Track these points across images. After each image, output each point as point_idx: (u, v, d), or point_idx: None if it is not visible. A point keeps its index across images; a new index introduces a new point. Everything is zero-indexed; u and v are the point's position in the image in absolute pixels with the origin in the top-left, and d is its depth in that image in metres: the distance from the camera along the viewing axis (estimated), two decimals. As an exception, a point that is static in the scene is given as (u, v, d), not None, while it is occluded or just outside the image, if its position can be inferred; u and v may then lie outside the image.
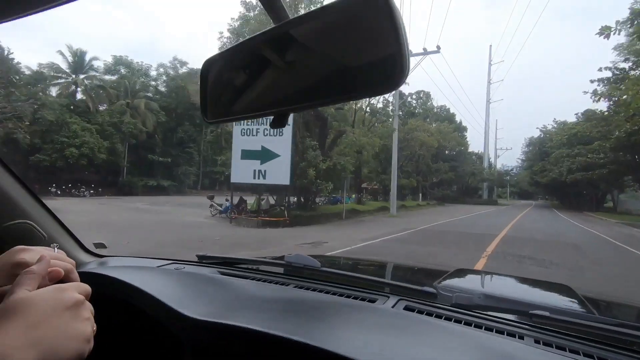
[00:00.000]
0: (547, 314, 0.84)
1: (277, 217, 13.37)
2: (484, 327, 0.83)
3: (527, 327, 0.84)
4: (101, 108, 34.37)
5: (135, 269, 1.16)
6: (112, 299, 0.91)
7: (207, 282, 1.06)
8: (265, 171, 12.88)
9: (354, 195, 24.12)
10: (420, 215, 21.89)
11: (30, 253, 0.52)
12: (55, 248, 0.57)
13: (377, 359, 0.61)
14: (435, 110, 58.86)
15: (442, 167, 44.39)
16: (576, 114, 35.25)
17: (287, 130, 12.91)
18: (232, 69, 0.62)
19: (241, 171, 13.14)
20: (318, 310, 0.87)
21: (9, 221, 0.98)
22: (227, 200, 15.20)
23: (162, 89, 41.14)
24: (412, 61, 20.11)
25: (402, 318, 0.86)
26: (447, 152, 54.62)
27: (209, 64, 0.63)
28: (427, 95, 58.78)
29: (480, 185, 60.05)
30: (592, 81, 25.60)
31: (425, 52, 19.03)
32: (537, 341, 0.78)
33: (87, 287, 0.49)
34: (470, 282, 1.50)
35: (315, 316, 0.84)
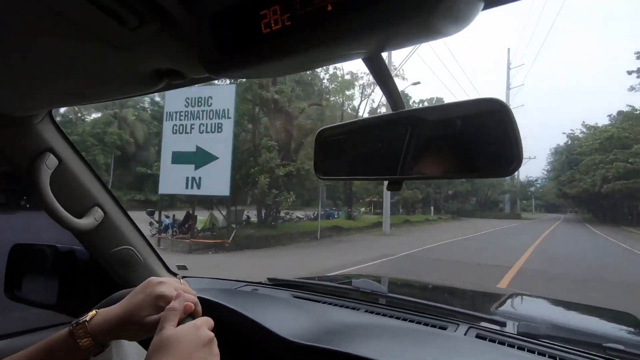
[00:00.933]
0: (621, 347, 0.84)
1: (214, 239, 10.34)
2: (558, 358, 0.81)
3: (596, 358, 0.83)
4: (89, 118, 32.82)
5: (217, 290, 1.20)
6: (218, 323, 0.84)
7: (285, 305, 1.10)
8: (200, 179, 9.91)
9: (363, 208, 20.96)
10: (423, 232, 18.32)
11: (166, 286, 0.60)
12: (181, 279, 0.65)
13: None
14: (449, 117, 55.08)
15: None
16: (609, 115, 30.84)
17: (227, 124, 9.97)
18: (345, 139, 0.74)
19: (171, 179, 10.21)
20: (395, 336, 0.89)
21: (116, 247, 1.10)
22: (166, 216, 12.29)
23: (158, 98, 39.58)
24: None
25: (477, 346, 0.88)
26: (463, 162, 50.45)
27: (323, 131, 0.75)
28: (440, 101, 55.22)
29: (501, 197, 55.14)
30: (630, 72, 21.75)
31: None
32: None
33: (212, 322, 0.57)
34: (530, 309, 1.49)
35: (395, 341, 0.85)
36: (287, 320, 0.93)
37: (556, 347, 0.86)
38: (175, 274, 1.32)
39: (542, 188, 74.67)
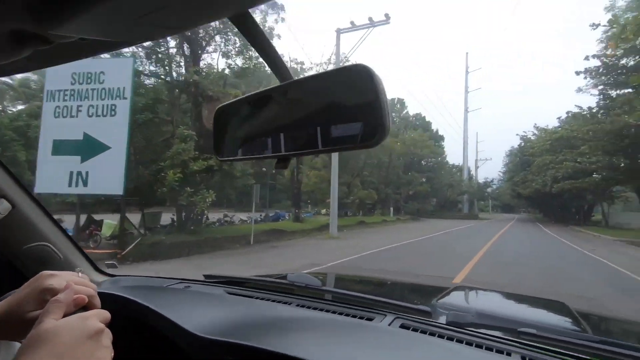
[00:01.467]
0: (534, 331, 0.88)
1: (114, 249, 8.41)
2: (474, 345, 0.84)
3: (515, 344, 0.85)
4: (13, 110, 28.98)
5: (146, 288, 1.22)
6: (125, 318, 0.91)
7: (215, 301, 1.11)
8: (87, 174, 7.94)
9: (324, 210, 19.39)
10: (375, 234, 17.16)
11: (57, 279, 0.56)
12: (80, 272, 0.61)
13: None
14: (410, 118, 55.27)
15: (415, 178, 40.04)
16: (558, 118, 31.68)
17: (122, 106, 8.08)
18: (241, 116, 0.72)
19: (50, 174, 8.13)
20: (319, 329, 0.91)
21: (29, 243, 1.04)
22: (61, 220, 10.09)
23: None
24: (358, 34, 15.89)
25: (398, 336, 0.90)
26: (423, 162, 50.78)
27: (222, 110, 0.72)
28: (402, 102, 55.31)
29: (460, 198, 56.13)
30: (577, 73, 22.00)
31: (372, 24, 14.70)
32: (523, 358, 0.80)
33: (107, 315, 0.53)
34: (466, 300, 1.52)
35: (316, 335, 0.87)
36: (208, 315, 0.92)
37: (477, 334, 0.90)
38: (107, 274, 1.31)
39: (498, 189, 77.49)
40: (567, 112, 22.88)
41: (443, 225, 27.29)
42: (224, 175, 9.99)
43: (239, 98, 0.73)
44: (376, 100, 0.49)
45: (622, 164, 20.35)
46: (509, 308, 1.53)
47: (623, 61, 19.75)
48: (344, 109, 0.57)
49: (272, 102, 0.64)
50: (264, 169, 23.76)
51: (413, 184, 40.98)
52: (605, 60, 19.86)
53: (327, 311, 1.06)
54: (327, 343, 0.82)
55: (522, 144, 44.13)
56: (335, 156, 14.82)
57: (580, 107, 22.21)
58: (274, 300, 1.16)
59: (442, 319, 0.99)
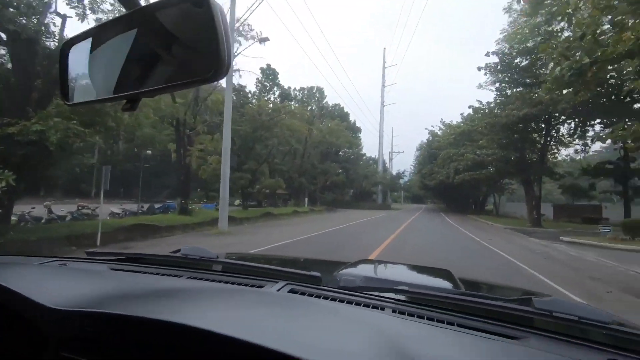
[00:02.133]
0: (406, 288, 0.99)
1: None
2: (354, 303, 0.93)
3: (390, 300, 0.95)
4: None
5: (8, 266, 1.13)
6: None
7: (91, 277, 1.04)
8: None
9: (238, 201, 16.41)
10: (277, 228, 15.26)
11: None
12: None
13: (249, 336, 0.60)
14: (329, 108, 54.82)
15: (332, 168, 39.49)
16: (462, 114, 33.63)
17: None
18: (88, 52, 0.64)
19: None
20: (205, 298, 0.88)
21: None
22: None
23: None
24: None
25: (286, 300, 0.93)
26: (341, 153, 50.84)
27: (67, 45, 0.65)
28: (321, 91, 54.48)
29: (374, 189, 57.94)
30: (479, 69, 22.90)
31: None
32: (394, 311, 0.89)
33: None
34: (364, 270, 1.57)
35: (201, 303, 0.83)
36: (74, 289, 0.87)
37: (362, 295, 0.98)
38: None
39: (409, 181, 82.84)
40: (469, 107, 23.81)
41: (356, 216, 26.84)
42: (42, 150, 6.92)
43: (84, 31, 0.66)
44: (215, 34, 0.48)
45: (513, 158, 21.78)
46: (398, 274, 1.66)
47: (517, 60, 20.93)
48: (186, 42, 0.55)
49: (120, 35, 0.59)
50: (149, 151, 20.02)
51: (329, 174, 40.38)
52: (502, 57, 20.76)
53: (220, 281, 1.08)
54: (210, 310, 0.78)
55: (430, 138, 46.78)
56: (226, 137, 12.41)
57: (481, 102, 23.26)
58: (163, 274, 1.13)
59: (334, 284, 1.05)
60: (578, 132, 22.03)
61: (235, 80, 19.38)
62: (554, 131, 21.23)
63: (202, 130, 15.85)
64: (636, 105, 17.51)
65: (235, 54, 13.43)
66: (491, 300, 0.94)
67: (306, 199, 35.07)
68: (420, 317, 0.86)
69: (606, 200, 28.91)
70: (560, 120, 20.58)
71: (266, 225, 16.29)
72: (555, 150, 24.50)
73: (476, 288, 1.55)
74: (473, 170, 25.69)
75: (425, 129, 43.01)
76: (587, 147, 23.71)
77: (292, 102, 40.68)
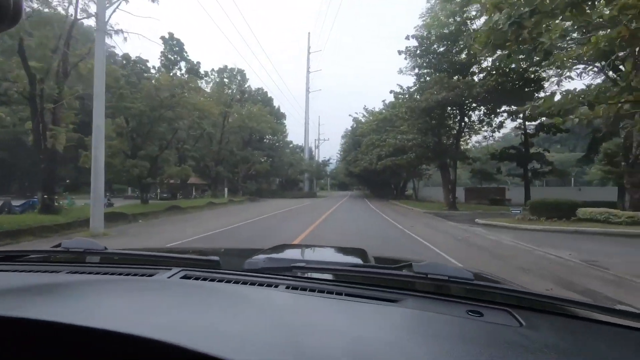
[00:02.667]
0: (304, 264, 1.04)
1: None
2: (249, 283, 0.93)
3: (286, 278, 0.97)
4: None
5: None
6: None
7: None
8: None
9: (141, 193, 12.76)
10: (176, 224, 12.82)
11: None
12: None
13: (125, 327, 0.57)
14: (252, 92, 51.74)
15: (254, 156, 37.07)
16: (383, 101, 33.90)
17: None
18: None
19: None
20: (80, 290, 0.82)
21: None
22: None
23: None
24: None
25: (176, 286, 0.90)
26: (266, 140, 48.47)
27: None
28: (242, 74, 51.03)
29: (301, 177, 56.92)
30: (400, 52, 22.64)
31: None
32: (288, 287, 0.90)
33: None
34: (277, 253, 1.50)
35: (75, 296, 0.78)
36: None
37: (261, 276, 0.97)
38: None
39: (336, 168, 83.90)
40: (391, 91, 23.56)
41: (279, 205, 25.22)
42: None
43: None
44: None
45: (431, 143, 22.12)
46: (309, 255, 1.67)
47: (435, 45, 21.01)
48: None
49: None
50: None
51: (252, 162, 37.92)
52: (421, 41, 20.61)
53: (105, 273, 1.01)
54: (89, 303, 0.73)
55: (354, 125, 46.98)
56: (98, 112, 9.57)
57: (401, 87, 23.12)
58: (36, 271, 1.03)
59: (238, 268, 1.04)
60: (487, 119, 23.26)
61: (124, 46, 15.95)
62: (467, 117, 21.97)
63: (74, 105, 12.46)
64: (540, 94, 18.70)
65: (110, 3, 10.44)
66: (377, 269, 1.06)
67: (226, 189, 32.28)
68: (312, 290, 0.88)
69: (509, 183, 31.79)
70: (472, 106, 21.29)
71: (166, 222, 13.67)
72: (468, 137, 25.69)
73: (384, 262, 1.51)
74: (395, 155, 25.78)
75: (349, 115, 42.63)
76: (493, 134, 25.32)
77: (206, 80, 36.98)
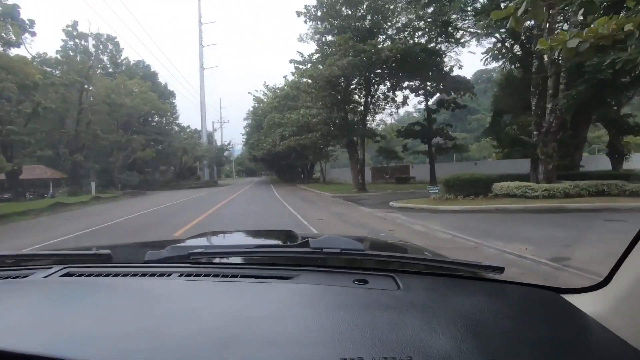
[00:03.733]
0: (202, 250, 0.97)
1: None
2: (140, 274, 0.87)
3: (182, 265, 0.92)
4: None
5: None
6: None
7: None
8: None
9: None
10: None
11: None
12: None
13: None
14: (130, 64, 43.18)
15: (132, 141, 30.33)
16: (285, 76, 30.65)
17: None
18: None
19: None
20: None
21: None
22: None
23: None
24: None
25: (51, 285, 0.84)
26: (154, 123, 41.07)
27: None
28: (116, 44, 42.07)
29: (199, 164, 50.70)
30: (298, 14, 19.54)
31: None
32: (181, 274, 0.85)
33: None
34: (192, 241, 1.48)
35: None
36: None
37: (157, 266, 0.92)
38: None
39: (242, 154, 78.36)
40: (291, 61, 20.45)
41: (162, 200, 20.35)
42: None
43: None
44: None
45: (337, 119, 19.90)
46: (219, 241, 1.60)
47: (337, 7, 18.50)
48: None
49: None
50: None
51: (131, 149, 31.12)
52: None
53: None
54: None
55: (256, 105, 42.86)
56: None
57: (302, 54, 20.19)
58: None
59: (137, 261, 0.98)
60: (392, 95, 22.05)
61: None
62: (373, 91, 20.25)
63: None
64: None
65: None
66: (275, 248, 1.10)
67: (92, 184, 25.47)
68: (207, 275, 0.85)
69: (414, 160, 32.06)
70: (378, 79, 19.59)
71: None
72: (374, 113, 24.33)
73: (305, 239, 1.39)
74: (298, 134, 23.02)
75: (249, 93, 38.03)
76: (398, 111, 24.45)
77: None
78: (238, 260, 1.00)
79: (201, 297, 0.76)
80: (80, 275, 0.87)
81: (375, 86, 20.01)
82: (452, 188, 12.17)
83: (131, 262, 0.97)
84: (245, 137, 56.32)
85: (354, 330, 0.61)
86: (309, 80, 19.06)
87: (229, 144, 59.71)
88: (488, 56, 14.35)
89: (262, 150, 35.33)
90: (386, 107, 23.82)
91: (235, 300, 0.75)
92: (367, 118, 25.26)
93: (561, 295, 0.82)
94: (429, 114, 22.46)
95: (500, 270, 0.85)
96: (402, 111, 47.24)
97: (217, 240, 1.60)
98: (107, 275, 0.87)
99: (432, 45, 19.10)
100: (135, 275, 0.86)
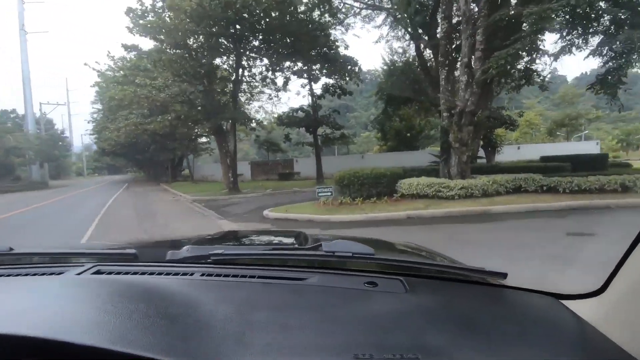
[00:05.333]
0: (222, 251, 0.99)
1: None
2: (164, 274, 0.90)
3: (203, 265, 0.96)
4: None
5: None
6: None
7: None
8: None
9: None
10: None
11: None
12: None
13: (14, 329, 0.57)
14: None
15: None
16: (136, 46, 23.45)
17: None
18: None
19: None
20: None
21: None
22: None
23: None
24: None
25: (82, 283, 0.86)
26: None
27: None
28: None
29: (20, 160, 37.55)
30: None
31: None
32: (202, 274, 0.89)
33: None
34: (206, 243, 1.47)
35: None
36: None
37: (179, 265, 0.95)
38: None
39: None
40: (127, 11, 14.33)
41: None
42: None
43: None
44: None
45: (200, 96, 14.95)
46: (236, 242, 1.57)
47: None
48: None
49: None
50: None
51: None
52: None
53: (10, 275, 0.94)
54: None
55: (101, 82, 33.31)
56: None
57: (142, 2, 14.29)
58: None
59: (160, 260, 1.01)
60: (271, 76, 18.21)
61: None
62: (246, 61, 15.91)
63: None
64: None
65: None
66: (290, 251, 1.11)
67: None
68: (227, 276, 0.88)
69: (300, 155, 28.89)
70: (250, 46, 15.37)
71: None
72: (251, 96, 20.05)
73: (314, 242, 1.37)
74: (148, 117, 17.10)
75: (86, 65, 28.42)
76: (278, 94, 20.75)
77: None
78: (255, 261, 1.03)
79: (222, 295, 0.80)
80: (110, 273, 0.90)
81: (248, 54, 15.69)
82: (347, 188, 8.97)
83: (155, 261, 1.01)
84: (93, 124, 44.49)
85: (364, 329, 0.65)
86: (153, 41, 13.60)
87: (62, 132, 46.75)
88: (385, 25, 11.65)
89: (108, 141, 27.19)
90: (264, 89, 19.84)
91: (254, 299, 0.78)
92: (243, 100, 20.87)
93: (561, 301, 0.83)
94: (313, 99, 19.43)
95: (504, 275, 0.85)
96: (296, 103, 44.15)
97: (234, 241, 1.61)
98: (135, 273, 0.90)
99: (317, 17, 15.92)
100: (160, 274, 0.89)
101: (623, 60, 7.41)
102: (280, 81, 19.26)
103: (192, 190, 17.99)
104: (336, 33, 18.68)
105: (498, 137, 19.17)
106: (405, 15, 10.74)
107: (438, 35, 9.03)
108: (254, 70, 18.21)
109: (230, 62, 16.20)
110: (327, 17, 16.48)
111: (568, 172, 9.88)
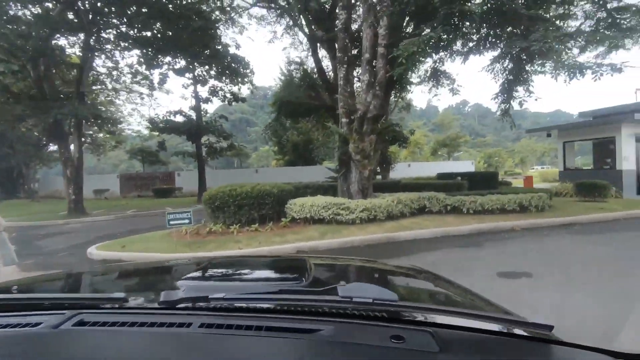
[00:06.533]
0: (222, 295, 0.86)
1: None
2: (157, 324, 0.80)
3: (202, 313, 0.84)
4: None
5: None
6: None
7: None
8: None
9: None
10: None
11: None
12: None
13: None
14: None
15: None
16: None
17: None
18: None
19: None
20: None
21: None
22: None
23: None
24: None
25: (59, 337, 0.76)
26: None
27: None
28: None
29: None
30: None
31: None
32: (202, 325, 0.78)
33: None
34: (202, 277, 1.26)
35: None
36: None
37: (174, 312, 0.85)
38: None
39: None
40: None
41: None
42: None
43: None
44: None
45: (23, 78, 10.77)
46: (237, 275, 1.43)
47: None
48: None
49: None
50: None
51: None
52: None
53: None
54: None
55: None
56: None
57: None
58: None
59: (151, 303, 0.93)
60: (144, 70, 14.84)
61: None
62: (96, 42, 12.30)
63: None
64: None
65: None
66: (300, 295, 0.95)
67: None
68: (229, 326, 0.79)
69: (187, 166, 24.93)
70: (106, 19, 12.01)
71: None
72: (116, 92, 16.15)
73: (321, 273, 1.33)
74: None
75: None
76: (153, 93, 17.26)
77: None
78: (261, 306, 0.90)
79: (223, 352, 0.73)
80: (94, 324, 0.80)
81: (102, 34, 12.13)
82: (221, 211, 6.65)
83: (147, 306, 0.92)
84: None
85: None
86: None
87: None
88: (280, 25, 9.90)
89: None
90: (135, 86, 16.20)
91: (263, 355, 0.71)
92: (104, 99, 16.72)
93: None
94: (197, 102, 16.55)
95: (550, 328, 0.78)
96: (185, 107, 39.34)
97: (230, 274, 1.41)
98: (124, 324, 0.79)
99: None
100: (152, 325, 0.78)
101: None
102: (157, 79, 15.97)
103: (20, 213, 13.13)
104: (228, 32, 16.45)
105: (392, 153, 19.27)
106: (299, 6, 9.18)
107: (336, 30, 7.61)
108: (121, 62, 14.57)
109: (76, 40, 12.39)
110: (215, 12, 14.13)
111: (466, 190, 9.48)
